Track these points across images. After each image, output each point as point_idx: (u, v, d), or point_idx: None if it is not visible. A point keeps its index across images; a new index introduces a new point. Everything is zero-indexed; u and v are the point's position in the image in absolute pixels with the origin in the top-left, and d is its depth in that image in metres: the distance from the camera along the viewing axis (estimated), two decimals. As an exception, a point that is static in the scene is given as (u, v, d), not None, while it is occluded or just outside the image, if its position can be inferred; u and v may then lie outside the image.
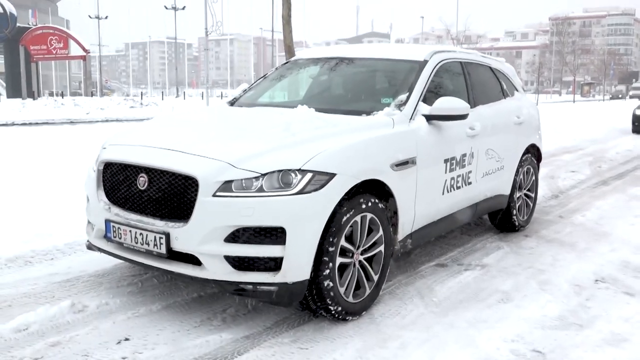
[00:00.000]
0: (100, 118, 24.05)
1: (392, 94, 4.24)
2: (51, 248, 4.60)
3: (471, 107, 4.48)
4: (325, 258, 3.18)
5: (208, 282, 3.19)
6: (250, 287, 3.09)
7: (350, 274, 3.42)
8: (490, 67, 5.47)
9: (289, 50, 11.97)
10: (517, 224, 5.50)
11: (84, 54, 41.38)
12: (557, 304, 3.80)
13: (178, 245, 3.15)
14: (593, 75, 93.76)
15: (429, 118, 4.05)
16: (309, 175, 3.13)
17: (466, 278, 4.26)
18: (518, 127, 5.43)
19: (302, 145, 3.31)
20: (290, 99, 5.20)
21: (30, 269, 4.21)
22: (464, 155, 4.47)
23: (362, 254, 3.48)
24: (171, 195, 3.21)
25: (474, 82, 4.95)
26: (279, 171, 3.12)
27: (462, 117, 4.13)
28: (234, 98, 5.04)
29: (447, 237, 5.29)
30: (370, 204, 3.43)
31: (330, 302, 3.28)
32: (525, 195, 5.71)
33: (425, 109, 4.06)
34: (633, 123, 16.39)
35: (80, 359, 2.94)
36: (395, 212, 3.76)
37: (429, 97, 4.20)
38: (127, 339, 3.16)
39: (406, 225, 3.89)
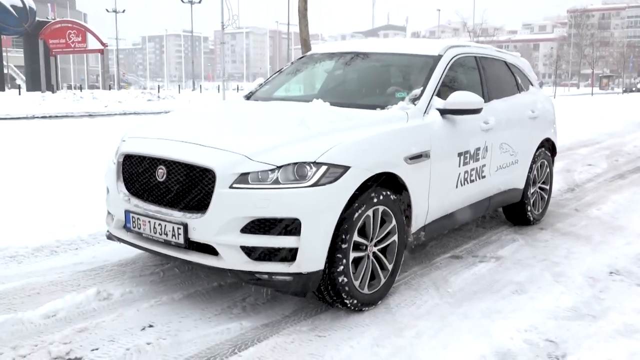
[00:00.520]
0: (118, 111, 24.31)
1: (407, 88, 4.29)
2: (75, 238, 4.75)
3: (485, 102, 4.51)
4: (339, 255, 3.24)
5: (224, 272, 3.25)
6: (266, 276, 3.15)
7: (365, 266, 3.47)
8: (505, 62, 5.49)
9: (305, 43, 12.00)
10: (531, 217, 5.53)
11: (102, 47, 41.77)
12: (571, 295, 3.85)
13: (196, 236, 3.22)
14: (612, 68, 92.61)
15: (443, 112, 4.09)
16: (324, 168, 3.18)
17: (481, 270, 4.32)
18: (532, 121, 5.45)
19: (317, 138, 3.36)
20: (305, 93, 5.26)
21: (56, 259, 4.35)
22: (478, 149, 4.51)
23: (375, 245, 3.54)
24: (189, 187, 3.28)
25: (489, 77, 4.98)
26: (294, 164, 3.17)
27: (476, 111, 4.16)
28: (250, 92, 5.11)
29: (462, 229, 5.35)
30: (383, 196, 3.48)
31: (345, 297, 3.34)
32: (540, 189, 5.73)
33: (439, 103, 4.10)
34: None
35: (107, 344, 3.05)
36: (409, 205, 3.80)
37: (444, 91, 4.23)
38: (151, 326, 3.27)
39: (419, 218, 3.94)
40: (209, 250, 3.24)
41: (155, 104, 28.41)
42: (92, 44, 42.17)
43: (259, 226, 3.14)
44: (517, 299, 3.78)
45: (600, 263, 4.50)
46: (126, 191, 3.64)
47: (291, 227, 3.13)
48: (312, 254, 3.16)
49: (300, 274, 3.15)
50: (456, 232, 5.26)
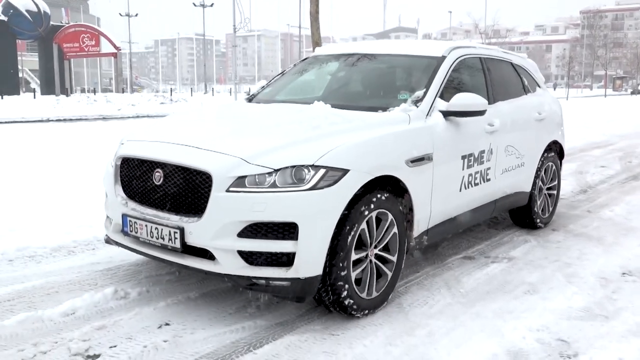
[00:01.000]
0: (131, 114, 24.52)
1: (409, 90, 4.23)
2: (92, 239, 4.83)
3: (490, 103, 4.48)
4: (338, 259, 3.19)
5: (221, 277, 3.20)
6: (263, 282, 3.12)
7: (365, 271, 3.42)
8: (512, 63, 5.42)
9: (317, 46, 12.04)
10: (537, 221, 5.45)
11: (115, 51, 42.16)
12: (583, 296, 3.86)
13: (192, 240, 3.19)
14: (625, 69, 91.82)
15: (446, 114, 4.03)
16: (322, 171, 3.14)
17: (493, 270, 4.35)
18: (539, 124, 5.38)
19: (316, 141, 3.32)
20: (308, 95, 5.22)
21: (73, 258, 4.43)
22: (483, 151, 4.44)
23: (376, 249, 3.49)
24: (186, 191, 3.24)
25: (494, 78, 4.91)
26: (292, 167, 3.13)
27: (480, 113, 4.10)
28: (252, 94, 5.05)
29: (474, 230, 5.37)
30: (384, 200, 3.43)
31: (345, 302, 3.29)
32: (547, 192, 5.66)
33: (442, 105, 4.03)
34: None
35: (124, 342, 3.12)
36: (411, 209, 3.74)
37: (447, 93, 4.17)
38: (167, 324, 3.34)
39: (422, 222, 3.87)
40: (206, 254, 3.20)
41: (167, 106, 28.61)
42: (106, 47, 42.65)
43: (256, 230, 3.10)
44: (529, 299, 3.80)
45: (613, 264, 4.50)
46: (124, 194, 3.61)
47: (289, 231, 3.09)
48: (310, 259, 3.11)
49: (298, 279, 3.11)
50: (468, 232, 5.28)
